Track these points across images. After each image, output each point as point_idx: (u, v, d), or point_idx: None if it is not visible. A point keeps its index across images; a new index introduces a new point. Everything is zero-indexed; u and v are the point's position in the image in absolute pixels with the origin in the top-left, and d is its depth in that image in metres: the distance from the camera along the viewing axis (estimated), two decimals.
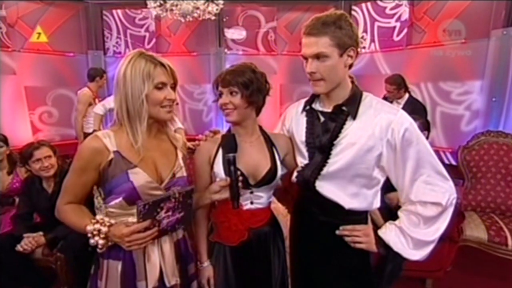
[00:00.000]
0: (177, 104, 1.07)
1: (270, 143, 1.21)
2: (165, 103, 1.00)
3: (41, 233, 1.92)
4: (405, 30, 4.02)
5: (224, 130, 1.28)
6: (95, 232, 0.93)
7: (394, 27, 4.15)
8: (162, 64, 1.00)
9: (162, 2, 2.79)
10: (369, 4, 4.36)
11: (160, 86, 0.99)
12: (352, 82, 1.13)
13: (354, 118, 1.07)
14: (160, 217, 0.96)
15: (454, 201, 1.07)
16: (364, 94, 1.12)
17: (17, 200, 2.25)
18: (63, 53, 4.46)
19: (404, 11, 4.04)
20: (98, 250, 0.96)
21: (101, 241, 0.94)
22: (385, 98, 3.14)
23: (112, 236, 0.94)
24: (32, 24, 4.23)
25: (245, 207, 1.15)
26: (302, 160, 1.18)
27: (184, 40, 4.77)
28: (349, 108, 1.08)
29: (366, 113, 1.08)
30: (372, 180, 1.11)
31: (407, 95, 3.08)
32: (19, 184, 2.31)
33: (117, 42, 4.70)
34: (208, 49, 4.69)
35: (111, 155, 0.97)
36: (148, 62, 0.97)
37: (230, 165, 1.04)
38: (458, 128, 3.56)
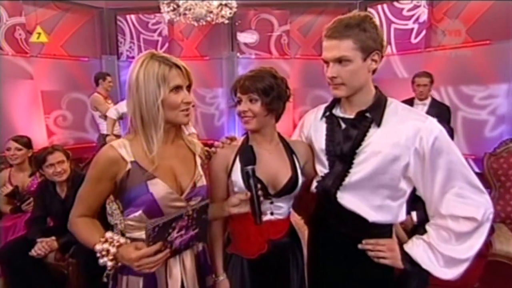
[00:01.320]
0: (193, 106, 1.02)
1: (289, 150, 1.15)
2: (182, 106, 0.95)
3: (54, 238, 1.91)
4: (424, 32, 3.89)
5: (238, 136, 1.23)
6: (103, 253, 0.88)
7: (412, 29, 4.03)
8: (177, 66, 0.94)
9: (175, 6, 2.78)
10: (385, 5, 4.25)
11: (176, 89, 0.93)
12: (376, 87, 1.06)
13: (378, 125, 1.00)
14: (172, 237, 0.89)
15: (491, 216, 0.98)
16: (389, 100, 1.05)
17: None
18: (78, 58, 4.54)
19: (423, 12, 3.91)
20: (107, 272, 0.91)
21: (109, 263, 0.88)
22: (410, 100, 3.03)
23: (121, 258, 0.88)
24: (49, 30, 4.31)
25: (264, 218, 1.09)
26: (321, 169, 1.12)
27: (196, 44, 4.78)
28: (373, 115, 1.01)
29: (391, 120, 1.00)
30: (398, 191, 1.03)
31: (430, 97, 2.99)
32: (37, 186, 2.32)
33: (130, 47, 4.75)
34: (220, 53, 4.68)
35: (129, 166, 0.92)
36: (162, 64, 0.92)
37: (249, 178, 0.98)
38: (481, 134, 3.40)
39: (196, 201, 0.99)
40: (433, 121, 0.98)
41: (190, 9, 2.75)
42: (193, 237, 0.97)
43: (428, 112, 2.86)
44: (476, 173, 1.00)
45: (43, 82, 4.27)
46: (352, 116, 1.05)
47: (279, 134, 1.18)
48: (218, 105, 4.78)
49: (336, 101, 1.12)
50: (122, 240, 0.91)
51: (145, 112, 0.92)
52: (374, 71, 1.02)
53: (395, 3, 4.17)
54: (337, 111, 1.11)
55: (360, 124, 1.02)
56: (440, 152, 0.95)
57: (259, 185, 0.99)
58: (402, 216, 1.07)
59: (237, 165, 1.09)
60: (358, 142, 1.02)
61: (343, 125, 1.07)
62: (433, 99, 3.02)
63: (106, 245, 0.88)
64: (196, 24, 3.05)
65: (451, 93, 3.63)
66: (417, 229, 1.77)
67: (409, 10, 4.06)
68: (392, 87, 3.49)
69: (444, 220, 0.99)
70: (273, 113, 1.09)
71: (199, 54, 4.77)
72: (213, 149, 1.16)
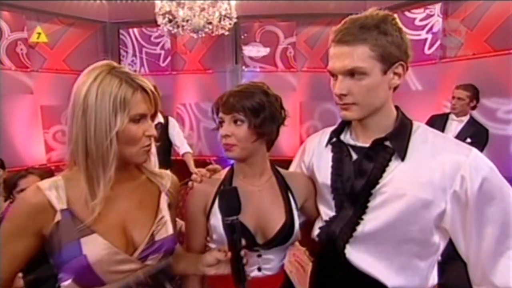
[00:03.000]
0: (155, 140, 0.80)
1: (285, 187, 0.92)
2: (143, 141, 0.73)
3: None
4: (438, 42, 3.65)
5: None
6: None
7: (425, 39, 3.80)
8: (144, 89, 0.73)
9: (170, 17, 2.63)
10: (395, 15, 4.04)
11: (138, 119, 0.72)
12: (397, 108, 0.83)
13: (402, 158, 0.76)
14: None
15: None
16: (415, 124, 0.81)
17: None
18: (80, 72, 4.44)
19: (437, 22, 3.69)
20: None
21: None
22: (445, 115, 2.75)
23: None
24: (52, 45, 4.28)
25: (251, 274, 0.86)
26: (326, 211, 0.88)
27: (200, 57, 4.66)
28: (394, 144, 0.78)
29: (419, 152, 0.76)
30: (429, 247, 0.78)
31: (469, 115, 2.64)
32: None
33: (132, 61, 4.66)
34: (224, 66, 4.55)
35: (58, 216, 0.69)
36: (124, 84, 0.70)
37: (232, 232, 0.75)
38: (508, 151, 3.09)
39: (154, 259, 0.76)
40: (479, 155, 0.74)
41: (187, 20, 2.60)
42: None
43: (462, 130, 2.56)
44: None
45: (43, 96, 4.19)
46: (366, 145, 0.82)
47: (272, 165, 0.95)
48: None
49: (345, 124, 0.89)
50: None
51: (92, 144, 0.69)
52: (395, 88, 0.79)
53: (407, 13, 3.96)
54: (346, 137, 0.88)
55: (378, 156, 0.79)
56: (490, 198, 0.71)
57: (243, 242, 0.75)
58: (434, 279, 0.81)
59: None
60: (374, 179, 0.78)
61: (355, 156, 0.84)
62: (472, 118, 2.67)
63: None
64: (195, 36, 2.90)
65: None
66: (443, 268, 1.48)
67: (422, 19, 3.84)
68: (405, 101, 3.25)
69: None
70: (263, 139, 0.87)
71: (203, 68, 4.65)
72: (190, 183, 0.95)
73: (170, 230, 0.80)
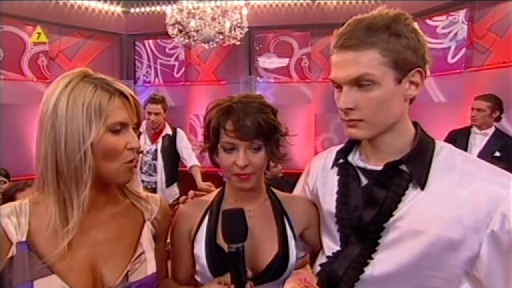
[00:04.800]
0: (141, 153, 0.71)
1: (280, 212, 0.80)
2: (126, 155, 0.64)
3: None
4: (463, 51, 3.43)
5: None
6: None
7: (449, 47, 3.59)
8: (122, 93, 0.64)
9: (180, 28, 2.62)
10: (415, 24, 3.87)
11: (117, 129, 0.63)
12: (416, 125, 0.70)
13: (422, 186, 0.63)
14: None
15: None
16: (438, 144, 0.67)
17: None
18: None
19: (461, 29, 3.48)
20: None
21: None
22: (466, 129, 2.54)
23: None
24: (71, 57, 4.43)
25: None
26: (330, 244, 0.75)
27: (214, 69, 4.66)
28: (412, 169, 0.64)
29: (444, 179, 0.62)
30: None
31: (493, 127, 2.43)
32: None
33: (147, 72, 4.73)
34: (238, 77, 4.52)
35: (13, 250, 0.60)
36: (98, 90, 0.62)
37: (236, 262, 0.64)
38: None
39: None
40: None
41: (198, 31, 2.57)
42: None
43: (489, 144, 2.33)
44: None
45: None
46: (378, 168, 0.68)
47: (268, 188, 0.83)
48: None
49: (353, 143, 0.76)
50: None
51: (62, 159, 0.61)
52: (412, 100, 0.66)
53: (428, 21, 3.77)
54: (355, 158, 0.75)
55: (391, 183, 0.65)
56: None
57: (249, 273, 0.64)
58: None
59: (203, 231, 0.76)
60: (387, 210, 0.64)
61: (364, 181, 0.70)
62: (498, 130, 2.45)
63: None
64: (206, 46, 2.87)
65: (502, 120, 3.09)
66: None
67: (445, 27, 3.64)
68: (427, 114, 3.05)
69: None
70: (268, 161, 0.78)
71: (216, 78, 4.64)
72: (177, 206, 0.85)
73: (150, 269, 0.68)
